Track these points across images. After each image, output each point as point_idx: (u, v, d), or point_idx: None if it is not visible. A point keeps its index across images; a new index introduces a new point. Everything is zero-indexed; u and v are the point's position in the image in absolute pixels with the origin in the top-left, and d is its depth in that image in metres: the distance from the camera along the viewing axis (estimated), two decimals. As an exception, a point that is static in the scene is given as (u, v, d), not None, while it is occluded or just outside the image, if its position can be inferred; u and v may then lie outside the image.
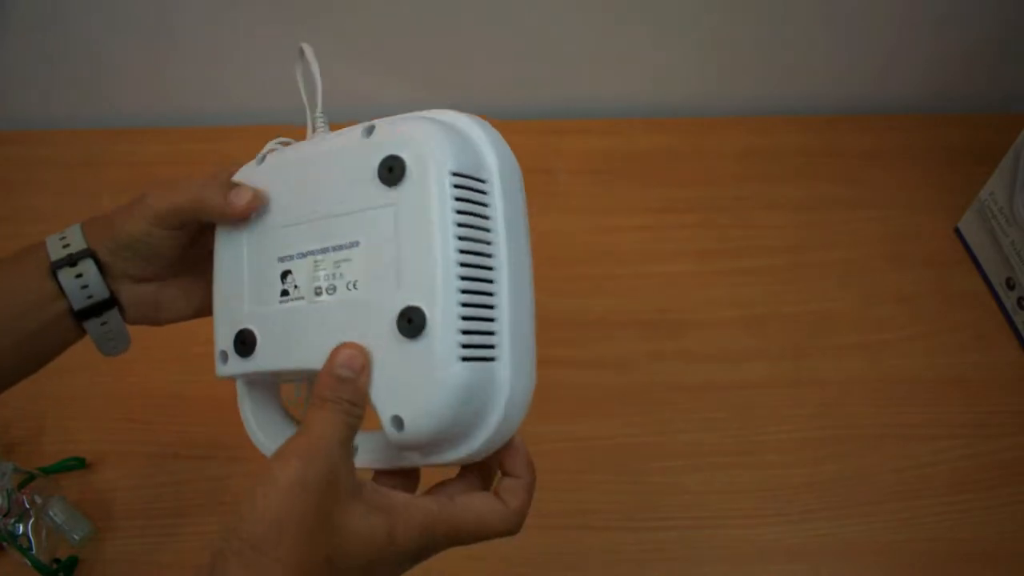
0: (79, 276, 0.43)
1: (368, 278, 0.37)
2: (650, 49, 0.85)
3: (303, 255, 0.40)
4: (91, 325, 0.44)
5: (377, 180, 0.37)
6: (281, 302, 0.40)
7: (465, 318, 0.35)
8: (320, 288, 0.39)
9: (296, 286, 0.40)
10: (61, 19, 0.79)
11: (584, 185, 0.81)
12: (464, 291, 0.35)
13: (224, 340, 0.42)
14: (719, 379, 0.69)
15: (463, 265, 0.35)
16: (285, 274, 0.40)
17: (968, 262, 0.77)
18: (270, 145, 0.45)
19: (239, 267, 0.42)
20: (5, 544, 0.57)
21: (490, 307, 0.36)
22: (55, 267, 0.43)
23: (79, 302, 0.43)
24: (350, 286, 0.38)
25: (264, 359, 0.41)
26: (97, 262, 0.43)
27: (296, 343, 0.39)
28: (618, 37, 0.83)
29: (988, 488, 0.64)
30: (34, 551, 0.57)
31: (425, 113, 0.39)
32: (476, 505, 0.37)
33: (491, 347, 0.36)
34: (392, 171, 0.37)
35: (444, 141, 0.36)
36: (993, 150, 0.73)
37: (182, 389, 0.67)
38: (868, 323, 0.73)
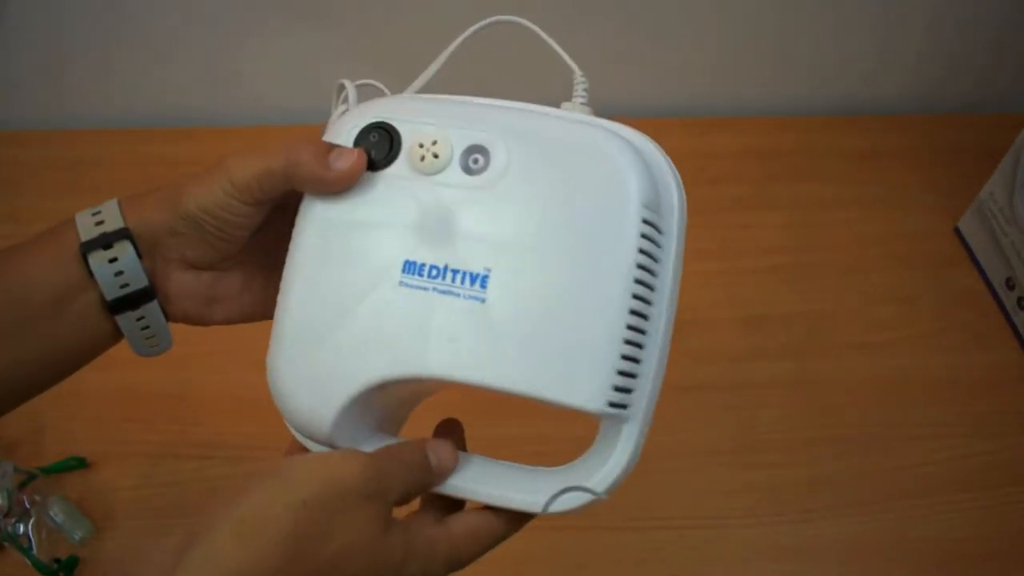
0: (113, 260, 0.37)
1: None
2: (649, 49, 0.85)
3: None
4: (124, 320, 0.38)
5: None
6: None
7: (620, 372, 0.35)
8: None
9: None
10: (61, 19, 0.79)
11: (584, 185, 0.80)
12: (626, 341, 0.35)
13: None
14: (719, 379, 0.69)
15: (632, 313, 0.35)
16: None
17: (968, 262, 0.77)
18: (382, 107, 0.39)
19: None
20: (6, 544, 0.58)
21: (637, 361, 0.36)
22: (85, 249, 0.37)
23: (112, 291, 0.37)
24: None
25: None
26: (135, 244, 0.37)
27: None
28: (617, 37, 0.83)
29: (987, 488, 0.64)
30: (34, 551, 0.57)
31: (606, 125, 0.38)
32: (468, 520, 0.36)
33: (625, 407, 0.35)
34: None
35: (642, 173, 0.36)
36: (993, 150, 0.74)
37: (182, 389, 0.67)
38: (868, 323, 0.73)
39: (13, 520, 0.58)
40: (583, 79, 0.40)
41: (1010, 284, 0.72)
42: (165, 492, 0.62)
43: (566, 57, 0.40)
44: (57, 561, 0.57)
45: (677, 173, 0.38)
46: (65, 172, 0.82)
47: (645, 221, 0.35)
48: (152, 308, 0.39)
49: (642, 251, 0.35)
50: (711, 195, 0.81)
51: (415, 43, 0.83)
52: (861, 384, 0.69)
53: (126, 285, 0.37)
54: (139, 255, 0.38)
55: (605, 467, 0.36)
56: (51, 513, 0.58)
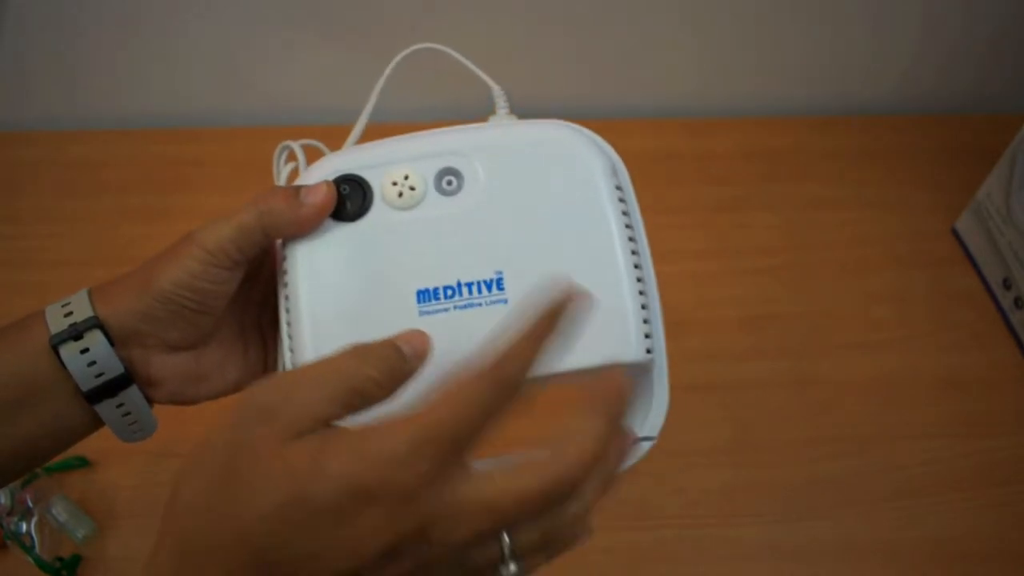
0: (85, 351, 0.36)
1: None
2: (649, 49, 0.85)
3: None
4: (104, 408, 0.38)
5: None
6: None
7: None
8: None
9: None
10: (61, 19, 0.79)
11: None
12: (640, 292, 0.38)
13: None
14: (718, 379, 0.69)
15: (636, 267, 0.38)
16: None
17: (965, 262, 0.77)
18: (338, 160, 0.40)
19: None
20: (8, 543, 0.58)
21: (646, 307, 0.38)
22: (55, 342, 0.36)
23: (87, 382, 0.36)
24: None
25: None
26: (107, 333, 0.36)
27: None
28: (616, 37, 0.83)
29: (986, 487, 0.64)
30: (37, 549, 0.57)
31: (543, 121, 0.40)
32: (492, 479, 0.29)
33: (651, 350, 0.38)
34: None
35: (598, 149, 0.39)
36: (990, 150, 0.74)
37: (184, 388, 0.67)
38: (866, 323, 0.73)
39: (16, 519, 0.58)
40: (502, 92, 0.42)
41: (1007, 284, 0.73)
42: (166, 491, 0.62)
43: (482, 74, 0.43)
44: (60, 560, 0.57)
45: (605, 141, 0.41)
46: (69, 172, 0.82)
47: (615, 187, 0.39)
48: (132, 394, 0.38)
49: (622, 212, 0.38)
50: (710, 195, 0.81)
51: (408, 43, 0.84)
52: (859, 384, 0.69)
53: (101, 374, 0.37)
54: (112, 343, 0.37)
55: (651, 412, 0.39)
56: (53, 512, 0.58)
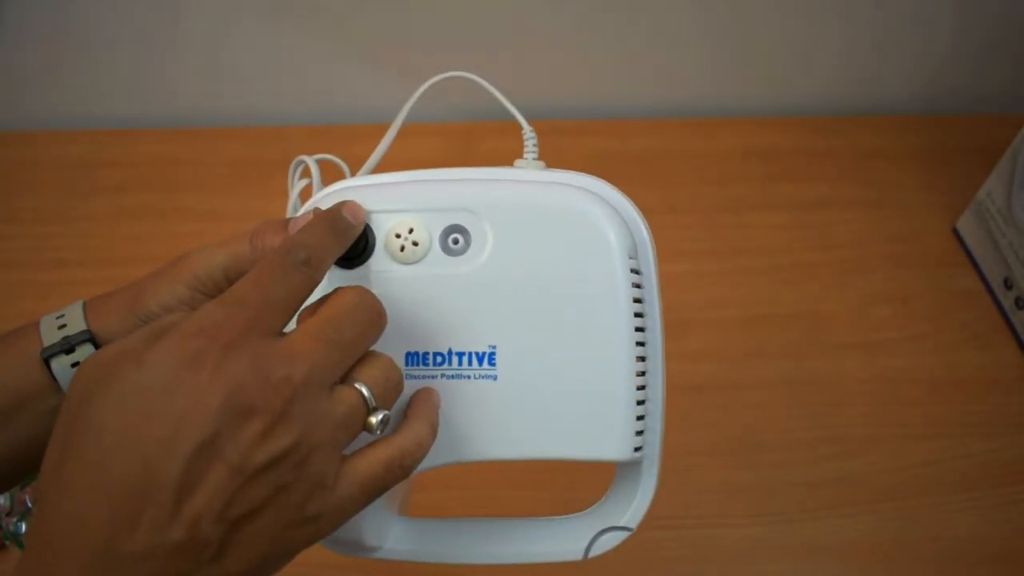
0: (75, 365, 0.35)
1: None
2: (649, 49, 0.85)
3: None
4: None
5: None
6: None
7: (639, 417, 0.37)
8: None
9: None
10: (61, 19, 0.79)
11: (584, 185, 0.80)
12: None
13: None
14: (719, 379, 0.69)
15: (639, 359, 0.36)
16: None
17: (966, 262, 0.77)
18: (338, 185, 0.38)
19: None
20: (7, 542, 0.58)
21: (644, 402, 0.37)
22: (47, 354, 0.35)
23: None
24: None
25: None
26: (98, 347, 0.36)
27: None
28: (617, 37, 0.83)
29: (986, 488, 0.64)
30: (36, 550, 0.57)
31: (566, 179, 0.38)
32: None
33: (642, 447, 0.37)
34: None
35: (619, 225, 0.36)
36: (991, 150, 0.74)
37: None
38: (866, 323, 0.73)
39: (15, 519, 0.58)
40: (532, 134, 0.40)
41: (1008, 284, 0.72)
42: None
43: (515, 111, 0.41)
44: (58, 561, 0.57)
45: (637, 207, 0.38)
46: (65, 172, 0.82)
47: (632, 270, 0.36)
48: None
49: (634, 299, 0.36)
50: (711, 195, 0.81)
51: (408, 43, 0.84)
52: (860, 384, 0.69)
53: None
54: None
55: (634, 504, 0.38)
56: (52, 513, 0.58)
